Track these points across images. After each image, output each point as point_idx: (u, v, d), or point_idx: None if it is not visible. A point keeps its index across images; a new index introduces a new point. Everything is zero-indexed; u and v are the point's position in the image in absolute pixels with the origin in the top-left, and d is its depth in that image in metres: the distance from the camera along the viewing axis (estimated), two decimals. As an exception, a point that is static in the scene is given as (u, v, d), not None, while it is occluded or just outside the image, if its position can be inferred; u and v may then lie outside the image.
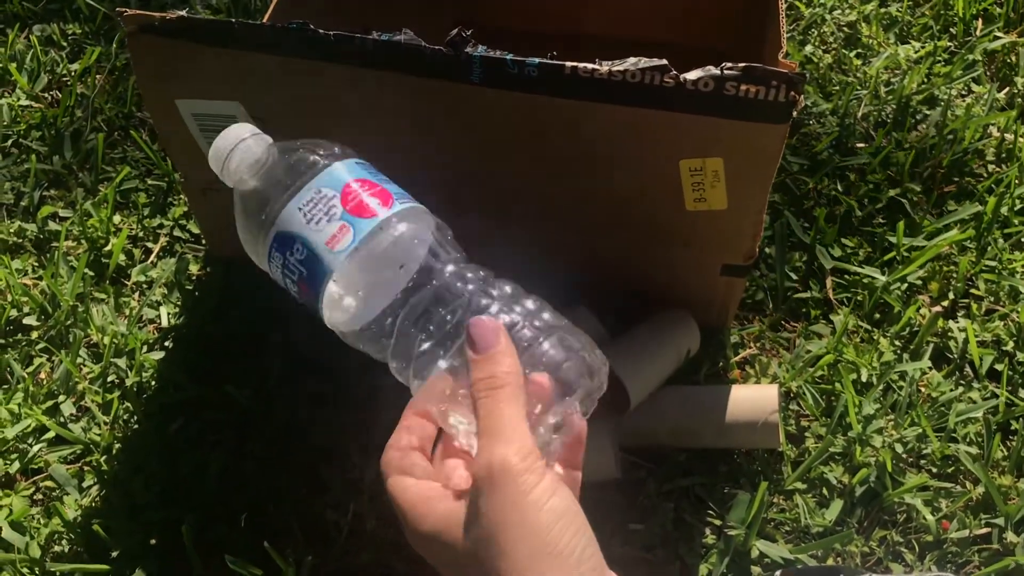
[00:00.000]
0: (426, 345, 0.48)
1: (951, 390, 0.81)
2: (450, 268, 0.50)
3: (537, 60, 0.62)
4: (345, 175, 0.51)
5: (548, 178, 0.71)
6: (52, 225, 0.93)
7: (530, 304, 0.49)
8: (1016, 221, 0.94)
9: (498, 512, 0.42)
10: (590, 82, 0.61)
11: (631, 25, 0.99)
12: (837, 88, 1.06)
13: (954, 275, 0.89)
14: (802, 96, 0.60)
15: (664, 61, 0.60)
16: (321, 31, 0.63)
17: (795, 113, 0.60)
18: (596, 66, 0.61)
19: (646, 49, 0.67)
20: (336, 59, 0.64)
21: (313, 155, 0.52)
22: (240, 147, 0.53)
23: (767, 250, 0.91)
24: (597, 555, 0.43)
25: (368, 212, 0.50)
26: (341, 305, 0.50)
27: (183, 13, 0.66)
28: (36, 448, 0.77)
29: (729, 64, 0.60)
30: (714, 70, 0.60)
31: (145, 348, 0.84)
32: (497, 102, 0.64)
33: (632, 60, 0.61)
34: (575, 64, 0.61)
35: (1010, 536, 0.73)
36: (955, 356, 0.84)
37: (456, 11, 1.01)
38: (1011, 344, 0.84)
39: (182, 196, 0.95)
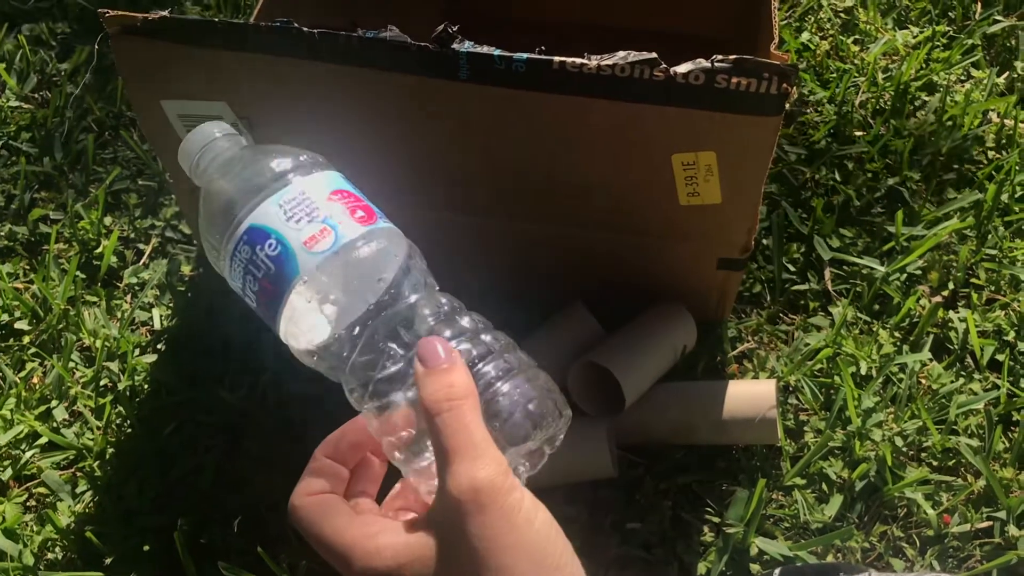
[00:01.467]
0: (390, 370, 0.46)
1: (951, 382, 0.80)
2: (419, 295, 0.48)
3: (525, 56, 0.60)
4: (333, 183, 0.50)
5: (540, 174, 0.70)
6: (43, 227, 0.93)
7: (499, 339, 0.47)
8: (1017, 208, 0.93)
9: (491, 532, 0.40)
10: (579, 77, 0.60)
11: (625, 14, 0.98)
12: (834, 75, 1.05)
13: (954, 264, 0.88)
14: (794, 88, 0.59)
15: (654, 55, 0.59)
16: (305, 29, 0.62)
17: (788, 105, 0.59)
18: (585, 60, 0.60)
19: (639, 38, 0.66)
20: (321, 57, 0.63)
21: (296, 159, 0.51)
22: (211, 147, 0.52)
23: (764, 242, 0.90)
24: (580, 566, 0.42)
25: (351, 221, 0.49)
26: (302, 313, 0.48)
27: (165, 13, 0.65)
28: (29, 454, 0.77)
29: (720, 56, 0.58)
30: (704, 63, 0.59)
31: (137, 351, 0.83)
32: (485, 99, 0.63)
33: (621, 54, 0.60)
34: (563, 59, 0.60)
35: (1012, 530, 0.72)
36: (956, 347, 0.83)
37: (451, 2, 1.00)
38: (1012, 334, 0.83)
39: (173, 196, 0.94)
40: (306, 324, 0.48)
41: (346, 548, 0.43)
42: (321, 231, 0.48)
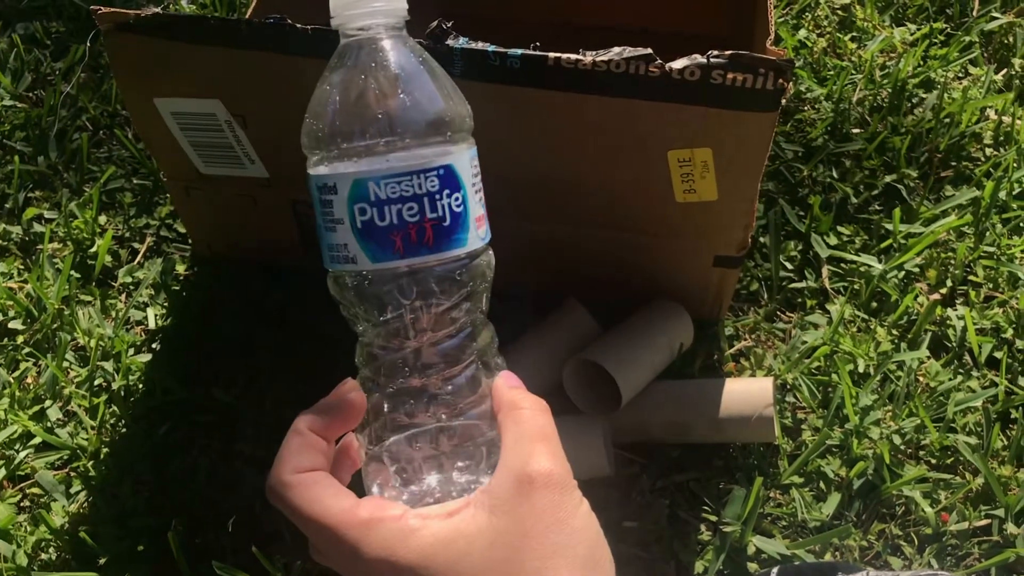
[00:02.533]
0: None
1: (949, 379, 0.80)
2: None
3: (519, 51, 0.60)
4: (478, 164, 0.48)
5: (535, 171, 0.69)
6: (37, 227, 0.92)
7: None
8: (1015, 205, 0.92)
9: (559, 511, 0.41)
10: (574, 73, 0.60)
11: (621, 13, 0.98)
12: (832, 73, 1.05)
13: (952, 262, 0.88)
14: (791, 83, 0.58)
15: (649, 50, 0.59)
16: (299, 26, 0.62)
17: (784, 100, 0.59)
18: (580, 57, 0.60)
19: (635, 37, 0.66)
20: (315, 54, 0.63)
21: (471, 114, 0.48)
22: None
23: (761, 239, 0.89)
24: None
25: (487, 218, 0.48)
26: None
27: (158, 10, 0.64)
28: (23, 454, 0.76)
29: (715, 52, 0.58)
30: (700, 58, 0.58)
31: (132, 351, 0.83)
32: (479, 95, 0.62)
33: (616, 50, 0.59)
34: (558, 55, 0.60)
35: (1010, 527, 0.71)
36: (954, 344, 0.83)
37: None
38: (1010, 331, 0.83)
39: (168, 195, 0.93)
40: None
41: (359, 530, 0.41)
42: (483, 217, 0.47)
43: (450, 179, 0.45)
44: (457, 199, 0.45)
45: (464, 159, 0.46)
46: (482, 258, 0.47)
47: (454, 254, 0.45)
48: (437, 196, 0.44)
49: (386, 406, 0.46)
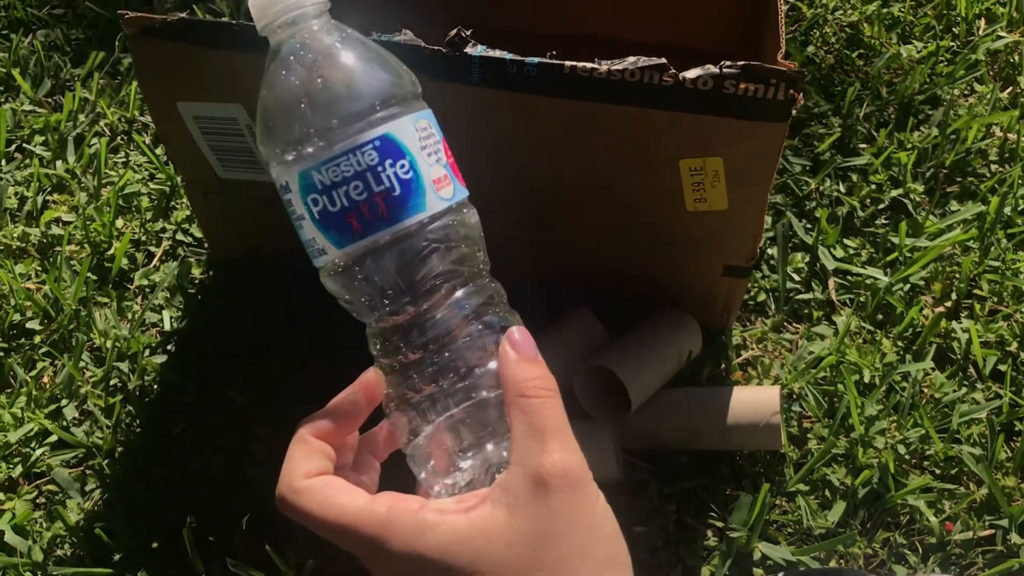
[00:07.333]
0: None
1: (954, 391, 0.81)
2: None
3: (536, 60, 0.62)
4: (438, 127, 0.49)
5: (548, 179, 0.71)
6: (55, 230, 0.94)
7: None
8: (1019, 221, 0.93)
9: (576, 512, 0.40)
10: (589, 81, 0.61)
11: (631, 27, 0.99)
12: (839, 89, 1.06)
13: (957, 275, 0.89)
14: (801, 94, 0.60)
15: (663, 60, 0.60)
16: (320, 33, 0.63)
17: (794, 111, 0.60)
18: (595, 65, 0.61)
19: (646, 50, 0.67)
20: (336, 61, 0.64)
21: (413, 79, 0.48)
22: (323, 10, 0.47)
23: (769, 251, 0.90)
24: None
25: (458, 178, 0.48)
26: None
27: (184, 15, 0.66)
28: (39, 452, 0.77)
29: (728, 62, 0.59)
30: (713, 68, 0.60)
31: (147, 352, 0.84)
32: (496, 102, 0.64)
33: (631, 59, 0.61)
34: (574, 63, 0.61)
35: (1014, 537, 0.72)
36: (958, 357, 0.84)
37: (456, 12, 1.01)
38: (1014, 345, 0.84)
39: (184, 200, 0.95)
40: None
41: (379, 526, 0.41)
42: (444, 177, 0.47)
43: (389, 148, 0.45)
44: (403, 166, 0.45)
45: (404, 125, 0.46)
46: (449, 218, 0.47)
47: (415, 221, 0.45)
48: (379, 168, 0.44)
49: (412, 390, 0.46)
